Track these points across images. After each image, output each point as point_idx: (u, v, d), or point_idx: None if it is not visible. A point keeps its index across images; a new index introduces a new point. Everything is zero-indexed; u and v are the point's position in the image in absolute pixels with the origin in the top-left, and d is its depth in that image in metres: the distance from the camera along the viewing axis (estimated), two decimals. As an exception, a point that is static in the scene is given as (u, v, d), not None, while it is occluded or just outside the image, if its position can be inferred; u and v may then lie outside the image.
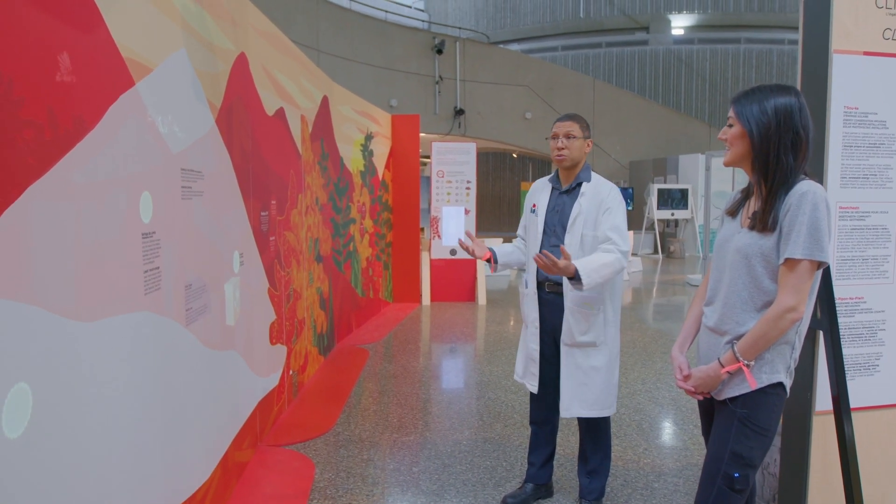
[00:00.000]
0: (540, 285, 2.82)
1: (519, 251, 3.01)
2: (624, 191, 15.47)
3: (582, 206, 2.73)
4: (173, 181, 2.26)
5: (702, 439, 3.80)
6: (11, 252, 1.32)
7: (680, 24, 23.45)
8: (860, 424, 2.40)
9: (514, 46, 23.48)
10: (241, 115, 3.23)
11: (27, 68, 1.39)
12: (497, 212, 24.71)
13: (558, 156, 2.74)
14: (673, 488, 3.17)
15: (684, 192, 15.13)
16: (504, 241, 14.68)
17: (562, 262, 2.53)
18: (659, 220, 15.18)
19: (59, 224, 1.50)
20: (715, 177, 11.09)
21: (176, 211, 2.28)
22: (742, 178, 11.94)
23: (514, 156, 23.64)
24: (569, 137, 2.72)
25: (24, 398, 1.35)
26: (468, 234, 2.86)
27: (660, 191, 15.00)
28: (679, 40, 23.47)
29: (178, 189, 2.31)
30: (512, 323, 7.38)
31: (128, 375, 1.86)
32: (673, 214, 15.10)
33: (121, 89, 1.83)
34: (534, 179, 23.85)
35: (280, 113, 4.13)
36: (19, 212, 1.35)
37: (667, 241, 15.40)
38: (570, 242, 2.72)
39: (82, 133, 1.60)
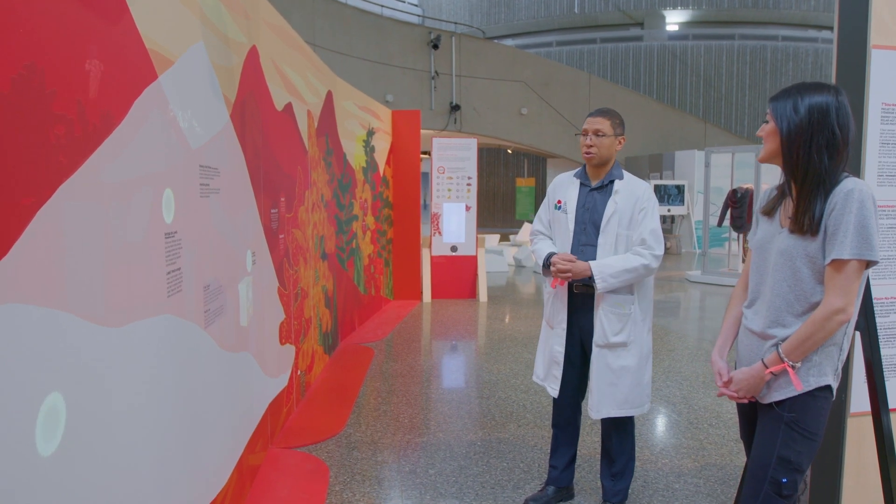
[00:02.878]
0: (569, 285, 2.75)
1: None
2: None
3: (618, 204, 2.67)
4: (192, 178, 2.19)
5: (718, 439, 3.78)
6: (44, 255, 1.25)
7: (674, 19, 23.44)
8: (893, 426, 2.35)
9: (509, 41, 23.40)
10: (253, 110, 3.15)
11: (57, 59, 1.31)
12: (492, 208, 24.66)
13: (587, 153, 2.68)
14: (694, 489, 3.13)
15: (680, 188, 15.13)
16: (501, 239, 14.50)
17: (567, 266, 2.55)
18: (655, 217, 15.15)
19: (89, 225, 1.43)
20: (713, 173, 11.09)
21: (195, 209, 2.20)
22: (742, 175, 11.86)
23: (510, 151, 23.58)
24: (598, 135, 2.66)
25: (58, 410, 1.28)
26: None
27: (656, 187, 14.99)
28: (673, 36, 23.46)
29: (197, 186, 2.23)
30: (513, 320, 7.33)
31: (152, 382, 1.79)
32: (669, 210, 15.10)
33: (145, 82, 1.76)
34: (528, 176, 23.88)
35: (288, 108, 4.05)
36: (51, 213, 1.27)
37: (664, 237, 15.38)
38: (605, 242, 2.66)
39: (110, 128, 1.53)
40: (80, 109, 1.39)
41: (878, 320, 2.30)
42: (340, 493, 3.08)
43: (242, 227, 2.93)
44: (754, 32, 22.95)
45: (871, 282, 2.27)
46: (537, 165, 23.87)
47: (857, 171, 2.25)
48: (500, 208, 24.61)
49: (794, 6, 22.59)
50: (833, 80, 2.32)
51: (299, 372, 4.30)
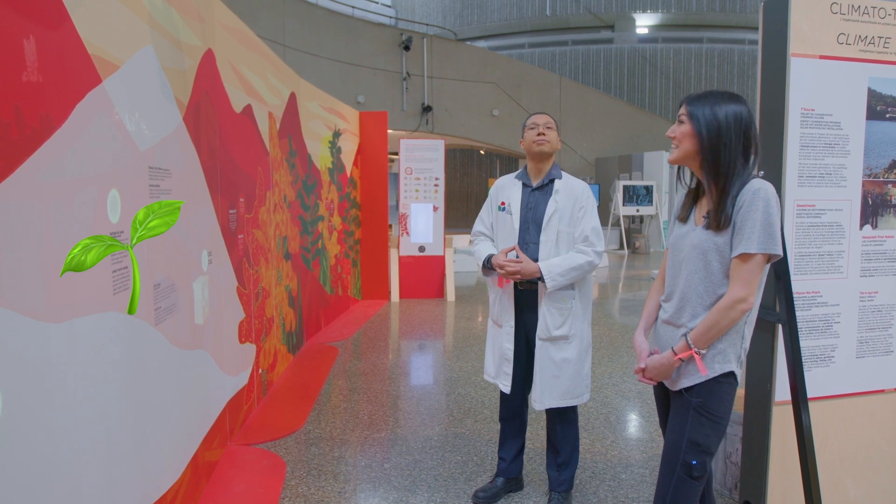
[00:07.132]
0: (515, 284, 2.85)
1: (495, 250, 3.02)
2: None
3: (558, 203, 2.77)
4: (141, 179, 2.24)
5: (666, 431, 3.91)
6: (-21, 253, 1.30)
7: (644, 23, 23.79)
8: (816, 413, 2.49)
9: (481, 43, 23.55)
10: (208, 112, 3.20)
11: (-7, 66, 1.36)
12: (465, 208, 24.78)
13: (539, 141, 2.77)
14: (639, 479, 3.25)
15: (649, 189, 15.38)
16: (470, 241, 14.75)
17: (517, 267, 2.62)
18: (624, 217, 15.42)
19: (28, 224, 1.48)
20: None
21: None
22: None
23: (482, 152, 23.73)
24: (548, 128, 2.78)
25: (-7, 401, 1.33)
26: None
27: (625, 187, 15.23)
28: (643, 39, 23.81)
29: (146, 187, 2.29)
30: (480, 319, 7.44)
31: (98, 376, 1.84)
32: (638, 210, 15.35)
33: (88, 87, 1.81)
34: (501, 176, 24.06)
35: (247, 110, 4.09)
36: (-14, 212, 1.33)
37: (632, 236, 15.65)
38: (546, 239, 2.76)
39: (49, 132, 1.58)
40: (17, 113, 1.44)
41: (799, 314, 2.43)
42: (296, 487, 3.14)
43: (197, 227, 2.97)
44: (722, 36, 23.39)
45: (793, 277, 2.41)
46: (509, 166, 24.05)
47: (778, 173, 2.37)
48: (473, 208, 24.71)
49: (759, 11, 23.07)
50: (758, 87, 2.46)
51: (260, 370, 4.34)
